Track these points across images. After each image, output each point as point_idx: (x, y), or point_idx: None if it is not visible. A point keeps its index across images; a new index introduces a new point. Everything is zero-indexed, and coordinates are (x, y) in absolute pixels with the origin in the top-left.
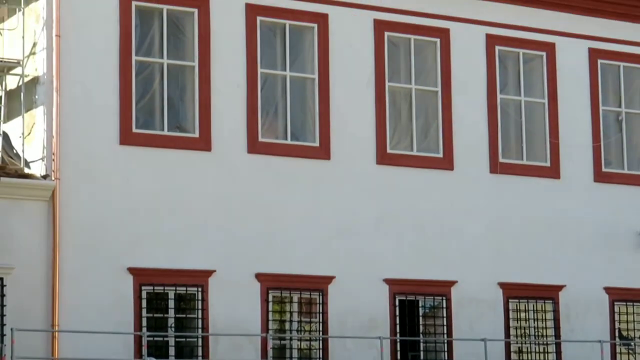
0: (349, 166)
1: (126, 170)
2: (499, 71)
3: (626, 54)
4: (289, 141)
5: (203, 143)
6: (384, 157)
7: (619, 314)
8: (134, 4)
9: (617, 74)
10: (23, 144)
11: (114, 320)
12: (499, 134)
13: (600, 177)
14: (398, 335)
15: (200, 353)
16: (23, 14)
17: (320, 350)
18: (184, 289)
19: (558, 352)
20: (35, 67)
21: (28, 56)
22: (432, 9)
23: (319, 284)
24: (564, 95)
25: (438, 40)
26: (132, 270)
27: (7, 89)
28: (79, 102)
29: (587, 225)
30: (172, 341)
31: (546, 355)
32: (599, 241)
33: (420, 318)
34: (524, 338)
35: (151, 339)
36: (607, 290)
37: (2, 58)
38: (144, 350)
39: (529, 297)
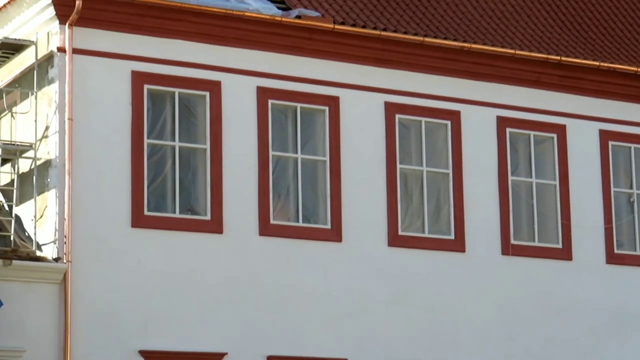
0: (361, 248)
1: (138, 253)
2: (510, 153)
3: (637, 135)
4: (300, 223)
5: (215, 225)
6: (395, 239)
7: None
8: (146, 87)
9: (628, 156)
10: (35, 227)
11: None
12: (511, 215)
13: (613, 258)
14: None
15: None
16: (36, 97)
17: None
18: None
19: None
20: (48, 150)
21: (40, 139)
22: (442, 91)
23: None
24: (575, 176)
25: (449, 122)
26: (143, 353)
27: (20, 172)
28: (90, 185)
29: (600, 308)
30: None
31: None
32: (612, 323)
33: None
34: None
35: None
36: None
37: (15, 142)
38: None
39: None
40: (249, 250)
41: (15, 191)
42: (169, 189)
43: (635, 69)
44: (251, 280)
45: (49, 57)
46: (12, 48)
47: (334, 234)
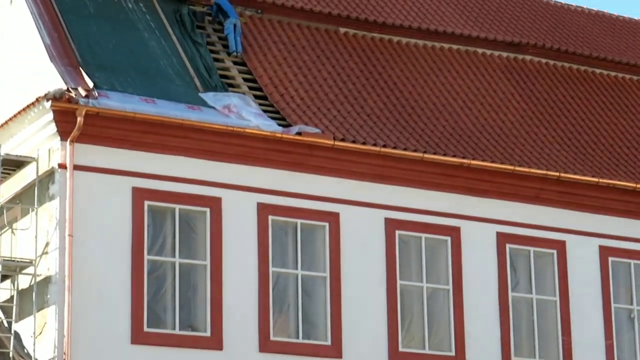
0: None
1: None
2: (510, 269)
3: (637, 251)
4: (300, 340)
5: (215, 342)
6: (396, 356)
7: None
8: (146, 203)
9: (628, 271)
10: (34, 343)
11: None
12: (511, 331)
13: None
14: None
15: None
16: (36, 213)
17: None
18: None
19: None
20: (48, 266)
21: (40, 255)
22: (442, 207)
23: None
24: (575, 292)
25: (449, 238)
26: None
27: (20, 289)
28: (90, 301)
29: None
30: None
31: None
32: None
33: None
34: None
35: None
36: None
37: (15, 258)
38: None
39: None
40: None
41: (14, 307)
42: (169, 305)
43: (634, 185)
44: None
45: (50, 174)
46: (13, 164)
47: (335, 350)
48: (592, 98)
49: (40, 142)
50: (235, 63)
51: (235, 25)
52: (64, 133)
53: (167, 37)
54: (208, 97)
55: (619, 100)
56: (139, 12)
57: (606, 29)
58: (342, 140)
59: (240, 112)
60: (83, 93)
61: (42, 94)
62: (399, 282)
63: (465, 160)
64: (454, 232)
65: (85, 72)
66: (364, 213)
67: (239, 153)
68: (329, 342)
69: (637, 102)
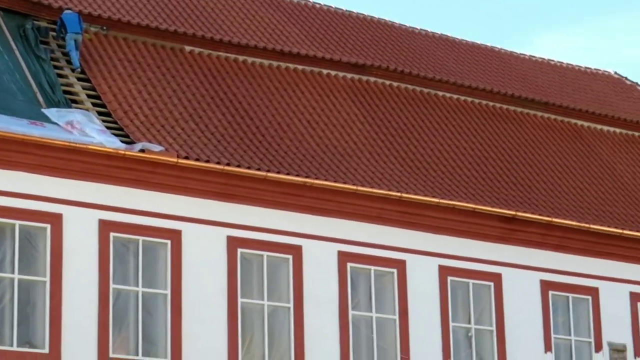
0: None
1: None
2: (351, 287)
3: (475, 271)
4: (140, 357)
5: (53, 359)
6: None
7: None
8: None
9: (466, 291)
10: None
11: None
12: (351, 349)
13: None
14: None
15: None
16: None
17: None
18: None
19: None
20: None
21: None
22: (285, 226)
23: None
24: (414, 311)
25: (291, 256)
26: None
27: None
28: None
29: None
30: None
31: None
32: None
33: None
34: None
35: None
36: None
37: None
38: None
39: None
40: None
41: None
42: (6, 322)
43: (473, 206)
44: None
45: None
46: None
47: None
48: (434, 120)
49: None
50: (79, 79)
51: (76, 41)
52: None
53: (10, 52)
54: (51, 113)
55: (461, 123)
56: None
57: (449, 52)
58: (186, 158)
59: (84, 128)
60: None
61: None
62: (240, 300)
63: (308, 180)
64: (296, 251)
65: None
66: (207, 231)
67: (81, 169)
68: (168, 359)
69: (478, 125)
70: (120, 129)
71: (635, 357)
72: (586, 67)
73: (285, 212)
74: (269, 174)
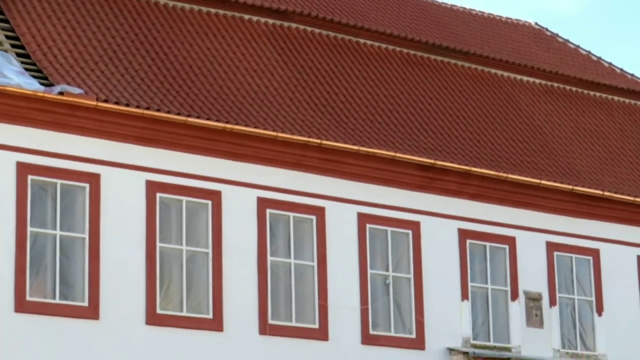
0: (118, 327)
1: None
2: (270, 234)
3: (394, 219)
4: (57, 300)
5: None
6: (153, 318)
7: None
8: None
9: (385, 239)
10: None
11: None
12: (269, 296)
13: (368, 339)
14: None
15: None
16: None
17: None
18: None
19: None
20: None
21: None
22: (204, 171)
23: None
24: (333, 258)
25: (210, 202)
26: None
27: None
28: None
29: None
30: None
31: None
32: None
33: None
34: None
35: None
36: None
37: None
38: None
39: None
40: (3, 329)
41: None
42: None
43: (392, 154)
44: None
45: None
46: None
47: (92, 311)
48: (355, 67)
49: None
50: None
51: None
52: None
53: None
54: None
55: (381, 70)
56: None
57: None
58: (105, 101)
59: (2, 70)
60: None
61: None
62: (158, 244)
63: (227, 125)
64: (215, 196)
65: None
66: (126, 175)
67: None
68: (86, 304)
69: (399, 73)
70: (40, 71)
71: (550, 306)
72: (507, 18)
73: (205, 157)
74: (189, 119)
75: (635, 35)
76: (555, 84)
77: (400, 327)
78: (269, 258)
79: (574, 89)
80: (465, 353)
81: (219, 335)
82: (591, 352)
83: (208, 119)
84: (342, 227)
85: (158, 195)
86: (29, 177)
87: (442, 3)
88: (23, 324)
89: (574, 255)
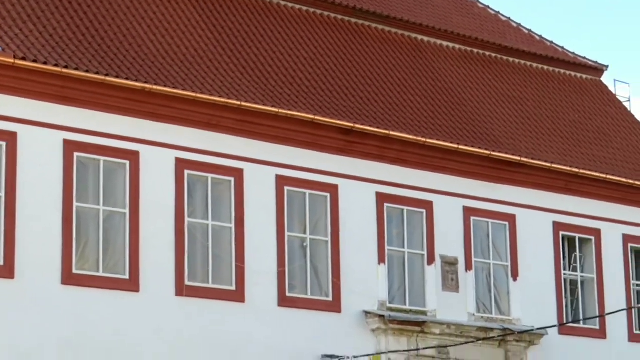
0: (34, 286)
1: None
2: (188, 195)
3: (313, 182)
4: None
5: None
6: (69, 278)
7: None
8: None
9: (303, 201)
10: None
11: None
12: (186, 257)
13: (285, 301)
14: None
15: None
16: None
17: None
18: None
19: None
20: None
21: None
22: (122, 131)
23: None
24: (251, 220)
25: (128, 162)
26: None
27: None
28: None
29: (272, 349)
30: None
31: None
32: None
33: None
34: None
35: None
36: None
37: None
38: None
39: None
40: None
41: None
42: None
43: (311, 117)
44: None
45: None
46: None
47: (7, 271)
48: (275, 30)
49: None
50: None
51: None
52: None
53: None
54: None
55: (302, 33)
56: None
57: None
58: (23, 59)
59: None
60: None
61: None
62: (75, 204)
63: (147, 85)
64: (133, 156)
65: None
66: (43, 134)
67: None
68: (1, 262)
69: (319, 35)
70: None
71: (466, 270)
72: None
73: (124, 117)
74: (108, 78)
75: (558, 0)
76: (475, 50)
77: (317, 289)
78: (187, 219)
79: (493, 54)
80: (382, 316)
81: (135, 295)
82: (505, 317)
83: (127, 78)
84: (260, 189)
85: (75, 154)
86: None
87: None
88: None
89: (490, 221)
